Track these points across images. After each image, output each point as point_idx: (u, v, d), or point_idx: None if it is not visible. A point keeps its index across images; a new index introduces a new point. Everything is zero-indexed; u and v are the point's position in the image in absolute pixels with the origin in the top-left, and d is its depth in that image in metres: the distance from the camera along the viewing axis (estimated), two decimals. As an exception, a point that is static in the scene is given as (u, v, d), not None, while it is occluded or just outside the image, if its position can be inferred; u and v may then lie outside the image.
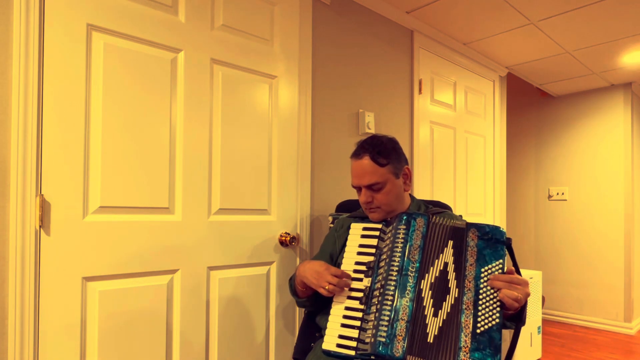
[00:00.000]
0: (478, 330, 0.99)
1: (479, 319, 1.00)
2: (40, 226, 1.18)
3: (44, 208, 1.19)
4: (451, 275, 1.06)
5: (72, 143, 1.24)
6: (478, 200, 2.96)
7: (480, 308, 1.01)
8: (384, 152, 1.24)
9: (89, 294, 1.27)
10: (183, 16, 1.49)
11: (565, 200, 3.92)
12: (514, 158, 4.25)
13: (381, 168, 1.23)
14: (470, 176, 2.89)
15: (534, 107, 4.15)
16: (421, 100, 2.50)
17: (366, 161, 1.23)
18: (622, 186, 3.63)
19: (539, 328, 2.86)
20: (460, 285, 1.04)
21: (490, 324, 1.00)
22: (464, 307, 1.02)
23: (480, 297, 1.02)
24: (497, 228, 1.06)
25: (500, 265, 1.05)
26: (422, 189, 2.49)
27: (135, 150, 1.37)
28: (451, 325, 1.01)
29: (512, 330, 1.10)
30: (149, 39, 1.40)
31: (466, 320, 1.01)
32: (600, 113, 3.77)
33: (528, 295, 1.02)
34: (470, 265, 1.05)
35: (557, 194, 3.96)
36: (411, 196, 1.38)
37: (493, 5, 2.25)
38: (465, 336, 0.99)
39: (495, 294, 1.02)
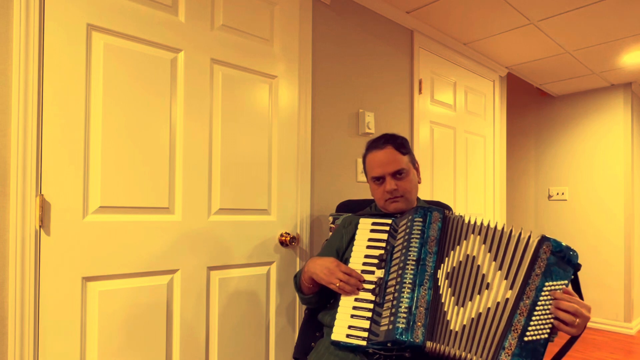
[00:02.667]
0: (526, 338, 1.00)
1: (530, 328, 1.00)
2: (40, 226, 1.18)
3: (44, 208, 1.19)
4: (489, 271, 1.06)
5: (72, 143, 1.24)
6: (478, 200, 2.96)
7: (534, 318, 1.01)
8: (403, 143, 1.31)
9: (89, 294, 1.27)
10: (183, 16, 1.49)
11: (565, 200, 3.92)
12: (514, 158, 4.25)
13: (404, 156, 1.29)
14: (470, 176, 2.89)
15: (534, 107, 4.15)
16: (421, 100, 2.50)
17: (390, 150, 1.28)
18: (622, 186, 3.63)
19: (539, 328, 2.86)
20: (517, 287, 1.03)
21: (538, 336, 1.00)
22: (519, 311, 1.02)
23: (537, 307, 1.02)
24: (571, 249, 1.06)
25: (564, 286, 1.04)
26: (422, 189, 2.49)
27: (135, 150, 1.37)
28: (494, 322, 1.02)
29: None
30: (149, 39, 1.40)
31: (517, 325, 1.01)
32: (600, 113, 3.77)
33: (587, 320, 1.00)
34: (537, 275, 1.04)
35: (557, 194, 3.96)
36: (417, 198, 1.41)
37: (493, 5, 2.25)
38: (513, 339, 1.00)
39: (551, 313, 1.01)
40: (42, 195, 1.19)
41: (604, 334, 3.57)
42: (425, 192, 2.50)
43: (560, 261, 1.05)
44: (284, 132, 1.77)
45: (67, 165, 1.23)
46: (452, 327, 1.03)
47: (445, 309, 1.05)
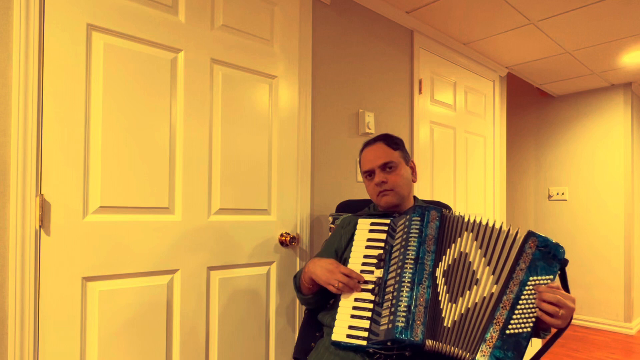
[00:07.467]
0: (508, 331, 1.00)
1: (512, 321, 1.01)
2: (40, 226, 1.18)
3: (44, 208, 1.19)
4: (479, 267, 1.08)
5: (72, 143, 1.24)
6: (478, 200, 2.96)
7: (517, 312, 1.02)
8: (395, 140, 1.36)
9: (89, 294, 1.27)
10: (183, 16, 1.49)
11: (565, 200, 3.92)
12: (514, 158, 4.25)
13: (394, 151, 1.33)
14: (470, 176, 2.89)
15: (534, 107, 4.15)
16: (421, 100, 2.50)
17: (381, 145, 1.34)
18: (622, 186, 3.63)
19: (539, 328, 2.86)
20: (502, 282, 1.05)
21: (521, 330, 1.00)
22: (502, 305, 1.03)
23: (521, 301, 1.03)
24: (558, 245, 1.06)
25: (549, 281, 1.04)
26: (422, 189, 2.49)
27: (135, 150, 1.37)
28: (479, 316, 1.03)
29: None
30: (149, 39, 1.40)
31: (499, 318, 1.02)
32: (600, 113, 3.77)
33: (572, 310, 1.01)
34: (521, 270, 1.05)
35: (557, 194, 3.96)
36: (415, 197, 1.42)
37: (493, 5, 2.25)
38: (494, 332, 1.01)
39: (534, 306, 1.02)
40: (42, 195, 1.19)
41: (604, 334, 3.57)
42: (425, 192, 2.50)
43: (545, 256, 1.06)
44: (284, 132, 1.77)
45: (67, 165, 1.23)
46: (445, 324, 1.04)
47: (442, 307, 1.06)
